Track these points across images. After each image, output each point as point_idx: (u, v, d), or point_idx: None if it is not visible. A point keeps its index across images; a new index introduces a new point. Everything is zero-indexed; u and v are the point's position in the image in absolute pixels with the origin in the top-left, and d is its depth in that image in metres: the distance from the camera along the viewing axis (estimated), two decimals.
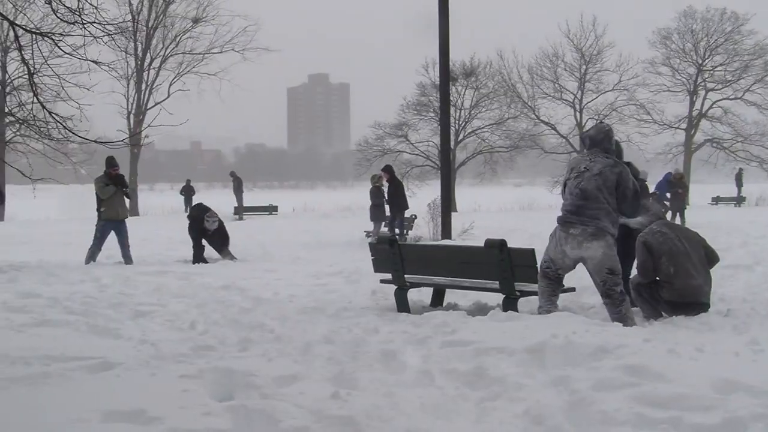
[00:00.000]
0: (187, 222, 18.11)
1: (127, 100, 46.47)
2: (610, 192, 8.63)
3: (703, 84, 53.48)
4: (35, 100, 8.53)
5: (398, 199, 22.26)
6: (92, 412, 5.38)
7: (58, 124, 8.69)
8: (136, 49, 46.11)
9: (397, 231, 21.79)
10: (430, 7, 21.81)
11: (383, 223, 23.04)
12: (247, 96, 52.11)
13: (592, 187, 8.59)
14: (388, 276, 10.58)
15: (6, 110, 31.79)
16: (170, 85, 46.82)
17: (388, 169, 23.09)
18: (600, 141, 8.82)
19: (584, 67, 52.28)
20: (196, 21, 46.11)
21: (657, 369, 5.83)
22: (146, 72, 46.94)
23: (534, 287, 9.32)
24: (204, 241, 17.70)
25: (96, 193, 16.87)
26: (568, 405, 5.39)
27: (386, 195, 22.68)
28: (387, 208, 22.78)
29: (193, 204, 18.90)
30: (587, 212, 8.60)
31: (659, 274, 8.80)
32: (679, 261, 8.72)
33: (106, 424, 5.19)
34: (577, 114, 52.60)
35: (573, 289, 9.89)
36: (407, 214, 23.57)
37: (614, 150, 8.89)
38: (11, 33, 13.62)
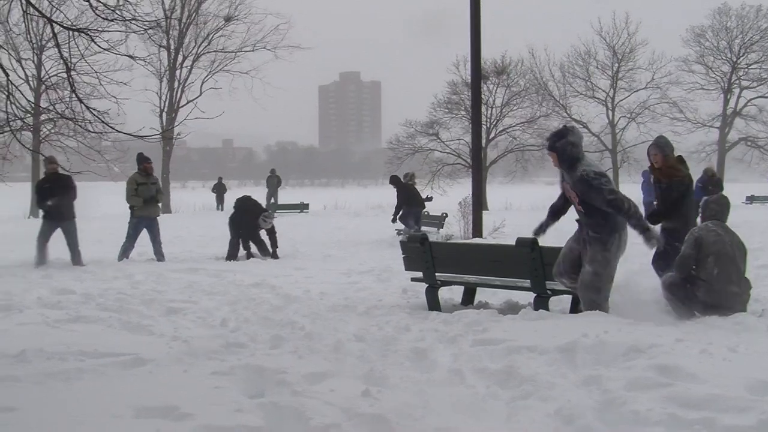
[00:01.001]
0: (217, 218, 18.16)
1: (160, 98, 46.76)
2: None
3: (737, 82, 53.02)
4: (73, 96, 8.58)
5: (412, 201, 22.39)
6: (125, 408, 5.43)
7: (95, 118, 8.74)
8: (168, 46, 46.36)
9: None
10: (462, 5, 21.74)
11: (414, 221, 23.05)
12: (278, 94, 52.16)
13: None
14: (419, 274, 10.57)
15: (43, 106, 32.04)
16: (202, 83, 47.05)
17: (394, 181, 23.12)
18: (581, 146, 8.91)
19: (616, 65, 51.96)
20: (228, 19, 46.25)
21: (690, 369, 5.79)
22: (179, 70, 47.20)
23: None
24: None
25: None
26: (599, 405, 5.36)
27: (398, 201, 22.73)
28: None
29: (240, 198, 18.69)
30: None
31: (702, 272, 8.63)
32: (725, 264, 8.58)
33: (139, 420, 5.23)
34: (609, 112, 52.31)
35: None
36: (438, 212, 23.59)
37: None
38: (48, 30, 13.72)
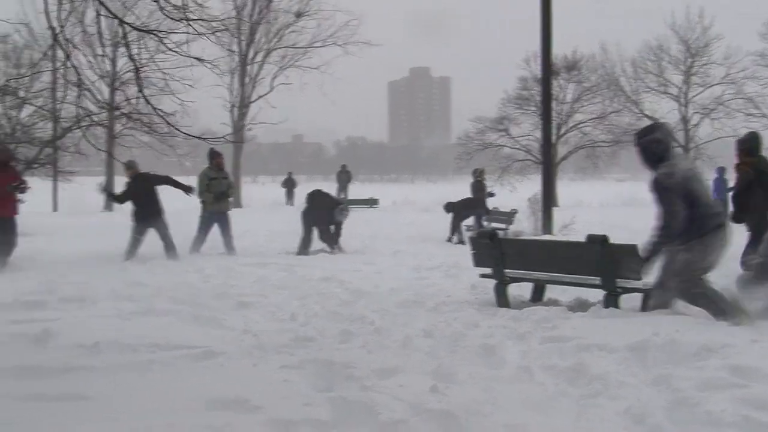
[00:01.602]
0: (287, 213, 18.28)
1: (231, 94, 47.25)
2: None
3: None
4: (141, 96, 8.71)
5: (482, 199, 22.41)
6: (197, 399, 5.50)
7: (162, 119, 8.86)
8: (239, 43, 46.81)
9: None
10: (533, 0, 21.60)
11: (484, 217, 22.99)
12: (348, 89, 52.49)
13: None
14: (488, 270, 10.53)
15: (114, 105, 32.61)
16: (273, 78, 47.38)
17: (476, 173, 23.14)
18: (670, 144, 8.68)
19: (690, 60, 51.00)
20: (298, 15, 46.53)
21: (766, 370, 5.67)
22: (249, 66, 47.62)
23: (636, 284, 9.15)
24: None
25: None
26: (670, 404, 5.28)
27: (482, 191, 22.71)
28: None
29: (311, 192, 18.80)
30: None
31: None
32: None
33: (210, 412, 5.30)
34: (682, 108, 51.41)
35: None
36: (508, 208, 23.51)
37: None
38: (120, 30, 13.97)
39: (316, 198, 18.46)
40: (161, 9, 8.45)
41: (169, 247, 16.09)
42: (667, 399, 5.39)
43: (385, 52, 61.69)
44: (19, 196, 14.57)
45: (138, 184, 16.43)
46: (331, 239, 17.93)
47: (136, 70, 8.82)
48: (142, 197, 16.28)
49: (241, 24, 44.91)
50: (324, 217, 17.86)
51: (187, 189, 16.56)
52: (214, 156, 17.41)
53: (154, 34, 8.51)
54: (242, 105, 46.95)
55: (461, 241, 20.84)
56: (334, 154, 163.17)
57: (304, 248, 17.55)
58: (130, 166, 16.87)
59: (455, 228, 21.96)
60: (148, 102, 8.68)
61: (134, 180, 16.55)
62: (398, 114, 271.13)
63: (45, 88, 27.29)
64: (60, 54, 8.78)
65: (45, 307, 9.82)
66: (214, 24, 9.14)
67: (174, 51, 9.40)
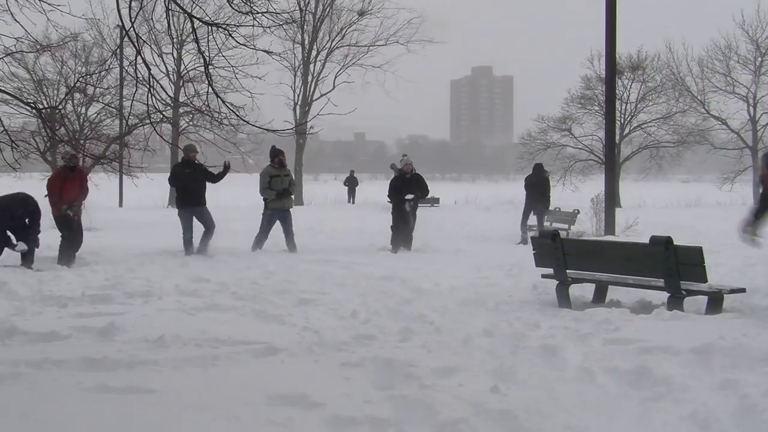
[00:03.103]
0: (349, 211, 18.40)
1: (294, 92, 47.58)
2: None
3: None
4: (210, 90, 8.81)
5: (545, 195, 22.09)
6: (258, 395, 5.56)
7: (231, 112, 8.95)
8: (303, 41, 47.10)
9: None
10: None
11: (546, 217, 22.82)
12: (410, 87, 52.41)
13: None
14: (550, 271, 10.48)
15: (181, 100, 32.98)
16: (336, 76, 47.58)
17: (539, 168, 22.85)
18: None
19: (759, 59, 50.08)
20: (361, 13, 46.68)
21: None
22: (312, 64, 47.88)
23: (701, 286, 9.05)
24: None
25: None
26: (737, 410, 5.20)
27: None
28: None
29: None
30: None
31: None
32: None
33: (272, 407, 5.35)
34: (751, 108, 50.51)
35: (743, 290, 9.54)
36: (570, 208, 23.36)
37: None
38: (188, 25, 14.17)
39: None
40: (229, 2, 8.55)
41: (205, 238, 16.44)
42: (734, 405, 5.30)
43: (448, 50, 61.59)
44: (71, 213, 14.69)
45: (194, 168, 16.66)
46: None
47: (206, 64, 8.92)
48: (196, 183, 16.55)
49: (305, 20, 45.18)
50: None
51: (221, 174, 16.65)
52: (276, 153, 17.51)
53: (223, 28, 8.59)
54: (305, 103, 47.21)
55: (524, 241, 20.71)
56: (396, 152, 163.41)
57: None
58: (192, 149, 17.16)
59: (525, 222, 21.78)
60: (217, 95, 8.77)
61: (191, 164, 16.74)
62: (460, 112, 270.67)
63: (113, 85, 27.74)
64: (127, 51, 8.92)
65: (111, 301, 9.99)
66: (280, 17, 9.21)
67: (243, 45, 9.49)
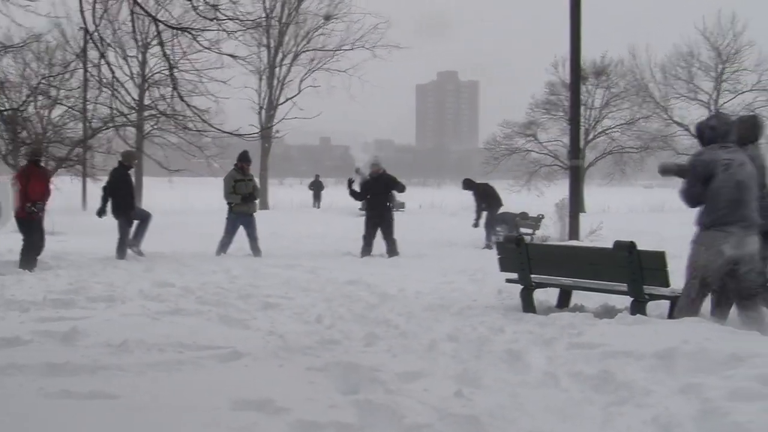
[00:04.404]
0: (314, 215, 18.40)
1: (259, 96, 47.44)
2: (754, 182, 8.28)
3: None
4: (175, 94, 8.78)
5: (492, 202, 22.37)
6: (223, 400, 5.54)
7: (196, 116, 8.94)
8: (268, 45, 47.00)
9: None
10: (561, 4, 21.53)
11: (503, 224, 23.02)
12: (376, 92, 52.46)
13: (745, 180, 8.22)
14: (514, 275, 10.52)
15: (146, 104, 32.84)
16: (301, 81, 47.52)
17: (468, 185, 23.09)
18: (726, 133, 8.43)
19: (721, 66, 50.69)
20: (327, 18, 46.67)
21: None
22: (278, 68, 47.80)
23: (664, 291, 9.12)
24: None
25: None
26: (699, 414, 5.23)
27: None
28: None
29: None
30: (747, 205, 8.25)
31: None
32: None
33: (236, 412, 5.33)
34: None
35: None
36: (534, 213, 23.51)
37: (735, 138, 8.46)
38: (153, 28, 14.15)
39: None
40: (194, 8, 8.53)
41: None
42: (696, 408, 5.34)
43: (414, 56, 61.72)
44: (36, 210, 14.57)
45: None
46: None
47: (171, 68, 8.89)
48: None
49: (270, 25, 45.09)
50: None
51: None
52: (243, 160, 17.50)
53: (188, 32, 8.57)
54: (270, 107, 47.10)
55: (489, 246, 20.85)
56: (361, 157, 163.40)
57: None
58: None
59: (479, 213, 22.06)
60: (182, 99, 8.75)
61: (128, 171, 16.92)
62: (425, 117, 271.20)
63: (76, 88, 27.54)
64: (91, 54, 8.86)
65: (74, 305, 9.90)
66: (246, 22, 9.21)
67: (208, 49, 9.48)
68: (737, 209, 8.21)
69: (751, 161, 8.37)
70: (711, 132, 8.46)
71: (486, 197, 22.46)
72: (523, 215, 23.64)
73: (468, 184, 23.04)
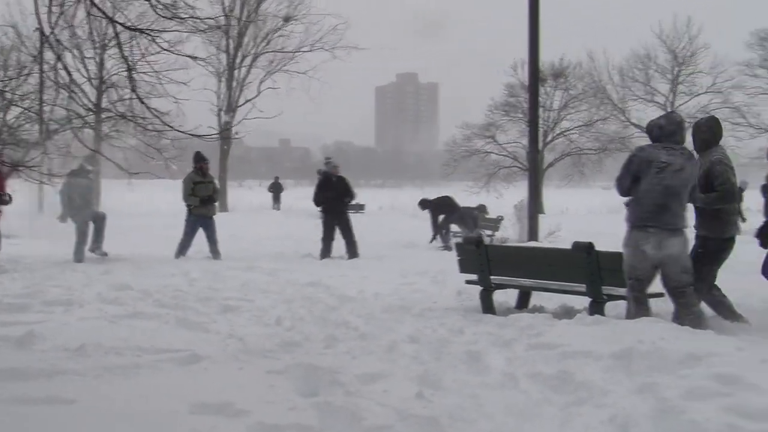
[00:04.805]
0: (274, 217, 18.38)
1: (219, 97, 47.19)
2: (686, 187, 8.38)
3: None
4: (133, 96, 8.72)
5: (445, 210, 22.75)
6: (182, 403, 5.50)
7: (155, 117, 8.87)
8: (227, 46, 46.80)
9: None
10: (520, 7, 21.65)
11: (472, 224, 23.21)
12: (336, 94, 52.59)
13: (678, 185, 8.34)
14: (474, 277, 10.55)
15: (104, 106, 32.56)
16: (260, 82, 47.37)
17: (423, 205, 23.59)
18: (672, 133, 8.53)
19: (677, 69, 51.28)
20: (287, 19, 46.54)
21: (750, 379, 5.66)
22: (237, 70, 47.60)
23: (622, 291, 9.20)
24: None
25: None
26: (655, 413, 5.28)
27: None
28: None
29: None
30: (673, 210, 8.35)
31: None
32: None
33: (195, 416, 5.30)
34: None
35: (661, 295, 9.69)
36: (494, 215, 23.66)
37: (681, 139, 8.53)
38: (110, 30, 14.03)
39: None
40: (153, 7, 8.47)
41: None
42: (652, 407, 5.39)
43: (373, 57, 61.77)
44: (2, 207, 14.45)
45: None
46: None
47: (129, 70, 8.82)
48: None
49: (229, 27, 44.88)
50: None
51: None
52: (199, 160, 17.39)
53: (146, 34, 8.50)
54: (230, 108, 46.88)
55: (447, 247, 20.97)
56: (321, 158, 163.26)
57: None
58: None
59: (437, 230, 22.25)
60: (141, 101, 8.68)
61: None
62: (385, 119, 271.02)
63: (32, 91, 27.22)
64: (47, 56, 8.78)
65: (29, 309, 9.77)
66: (204, 23, 9.15)
67: (166, 50, 9.41)
68: (660, 214, 8.37)
69: (694, 165, 8.46)
70: (658, 131, 8.57)
71: (441, 208, 22.76)
72: (481, 208, 23.82)
73: (424, 204, 23.43)
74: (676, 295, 8.47)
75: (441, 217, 22.77)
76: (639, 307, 8.51)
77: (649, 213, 8.37)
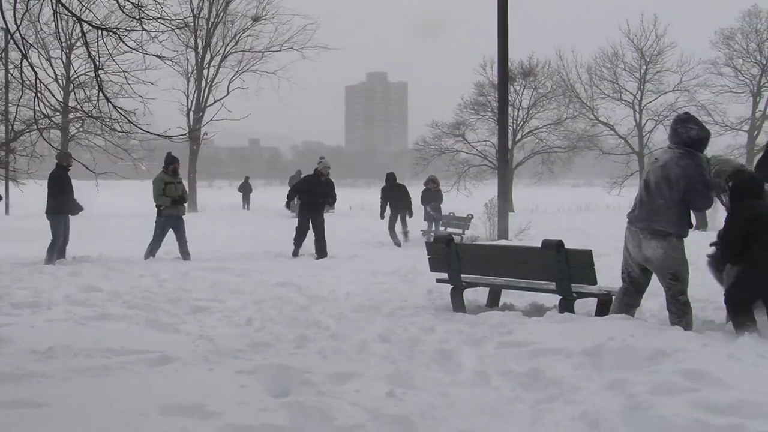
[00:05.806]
0: (243, 217, 18.36)
1: (187, 98, 46.92)
2: (670, 186, 8.16)
3: (767, 84, 52.33)
4: (100, 95, 8.65)
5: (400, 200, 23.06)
6: (152, 405, 5.47)
7: (123, 117, 8.81)
8: (196, 46, 46.57)
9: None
10: (489, 6, 21.74)
11: (441, 222, 23.28)
12: (305, 94, 52.47)
13: (653, 180, 8.32)
14: (445, 275, 10.56)
15: (71, 105, 32.28)
16: (229, 82, 47.19)
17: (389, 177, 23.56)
18: (672, 133, 8.46)
19: (644, 67, 51.52)
20: (256, 19, 46.39)
21: (717, 374, 5.73)
22: (206, 69, 47.37)
23: (591, 289, 9.25)
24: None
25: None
26: (625, 409, 5.33)
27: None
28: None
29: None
30: (648, 207, 8.32)
31: None
32: None
33: (166, 418, 5.26)
34: (637, 115, 51.89)
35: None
36: (464, 213, 23.74)
37: (688, 140, 8.25)
38: (77, 29, 13.93)
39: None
40: (121, 7, 8.41)
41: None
42: (622, 403, 5.43)
43: (342, 57, 61.65)
44: None
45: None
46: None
47: (96, 69, 8.74)
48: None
49: (198, 26, 44.67)
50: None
51: None
52: (171, 161, 17.32)
53: (114, 33, 8.43)
54: (198, 109, 46.67)
55: (397, 243, 21.51)
56: (290, 158, 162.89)
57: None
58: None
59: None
60: (108, 101, 8.61)
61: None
62: (355, 119, 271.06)
63: None
64: (12, 55, 8.69)
65: None
66: (172, 22, 9.09)
67: (134, 50, 9.35)
68: (639, 209, 8.45)
69: (683, 165, 8.20)
70: (670, 131, 8.56)
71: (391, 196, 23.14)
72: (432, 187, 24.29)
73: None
74: (667, 300, 8.42)
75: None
76: (620, 303, 8.57)
77: (634, 208, 8.51)
